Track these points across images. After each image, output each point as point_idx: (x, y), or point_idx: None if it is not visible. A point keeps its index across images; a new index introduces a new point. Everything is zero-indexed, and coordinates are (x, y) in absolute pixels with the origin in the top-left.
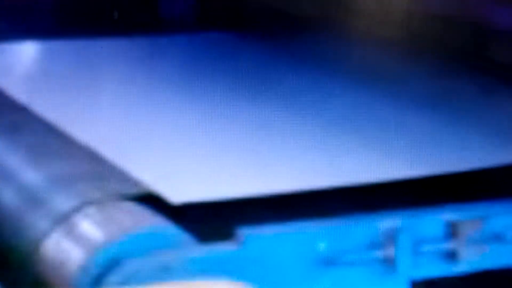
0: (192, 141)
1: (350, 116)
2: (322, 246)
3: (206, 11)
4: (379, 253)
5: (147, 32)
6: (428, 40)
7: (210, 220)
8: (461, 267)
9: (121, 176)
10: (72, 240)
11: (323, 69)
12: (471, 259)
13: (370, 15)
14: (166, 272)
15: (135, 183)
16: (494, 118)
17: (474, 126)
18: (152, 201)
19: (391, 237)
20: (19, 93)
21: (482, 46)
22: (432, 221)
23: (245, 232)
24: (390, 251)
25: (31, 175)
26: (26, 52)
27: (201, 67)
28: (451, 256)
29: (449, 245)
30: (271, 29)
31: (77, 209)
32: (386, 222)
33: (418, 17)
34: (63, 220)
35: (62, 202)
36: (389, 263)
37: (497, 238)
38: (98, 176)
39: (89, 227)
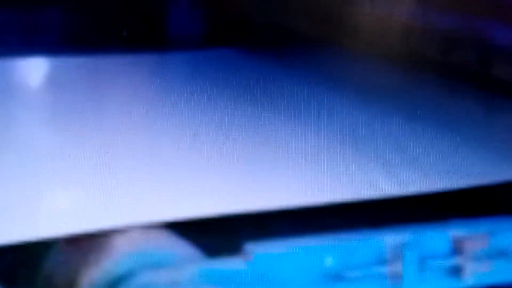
0: (196, 158)
1: (355, 132)
2: (329, 261)
3: (214, 27)
4: (386, 269)
5: (155, 49)
6: (431, 58)
7: (218, 235)
8: (467, 283)
9: None
10: (84, 253)
11: (327, 84)
12: (477, 275)
13: (373, 32)
14: (175, 286)
15: None
16: (501, 135)
17: (480, 143)
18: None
19: (398, 253)
20: (26, 108)
21: (486, 64)
22: (438, 237)
23: (253, 247)
24: (396, 267)
25: None
26: (35, 68)
27: (208, 83)
28: (457, 271)
29: (455, 261)
30: (278, 46)
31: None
32: (393, 238)
33: (420, 35)
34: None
35: None
36: (395, 279)
37: (503, 254)
38: None
39: (100, 241)
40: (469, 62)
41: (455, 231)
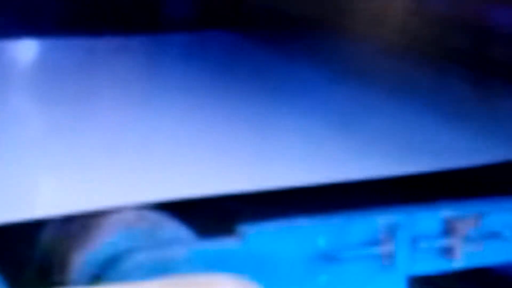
0: (190, 139)
1: (350, 114)
2: (322, 242)
3: (208, 9)
4: (378, 249)
5: (149, 31)
6: (427, 40)
7: (210, 216)
8: (458, 263)
9: None
10: (77, 232)
11: (322, 68)
12: (468, 256)
13: (370, 16)
14: (168, 267)
15: None
16: (492, 116)
17: (472, 124)
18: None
19: (390, 233)
20: (18, 90)
21: (481, 46)
22: (430, 218)
23: (247, 228)
24: (388, 247)
25: None
26: (30, 49)
27: (202, 65)
28: (449, 252)
29: (446, 242)
30: (272, 29)
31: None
32: (385, 219)
33: (417, 18)
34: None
35: None
36: (387, 259)
37: (494, 235)
38: None
39: (94, 221)
40: (466, 44)
41: (446, 212)
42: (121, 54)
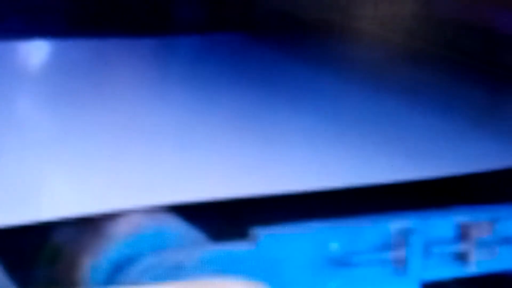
0: (199, 141)
1: (361, 118)
2: (334, 246)
3: (218, 12)
4: (391, 254)
5: (159, 33)
6: (437, 44)
7: (223, 219)
8: (471, 269)
9: None
10: (87, 236)
11: (330, 70)
12: (482, 262)
13: (379, 18)
14: (179, 270)
15: None
16: (506, 121)
17: (487, 129)
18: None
19: (403, 239)
20: (28, 90)
21: (491, 50)
22: (443, 223)
23: (260, 232)
24: (401, 252)
25: None
26: (39, 50)
27: (212, 67)
28: (462, 258)
29: (459, 247)
30: (282, 31)
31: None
32: (398, 224)
33: (426, 21)
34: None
35: None
36: (400, 264)
37: (507, 240)
38: None
39: (105, 224)
40: (475, 47)
41: (460, 217)
42: (131, 56)
